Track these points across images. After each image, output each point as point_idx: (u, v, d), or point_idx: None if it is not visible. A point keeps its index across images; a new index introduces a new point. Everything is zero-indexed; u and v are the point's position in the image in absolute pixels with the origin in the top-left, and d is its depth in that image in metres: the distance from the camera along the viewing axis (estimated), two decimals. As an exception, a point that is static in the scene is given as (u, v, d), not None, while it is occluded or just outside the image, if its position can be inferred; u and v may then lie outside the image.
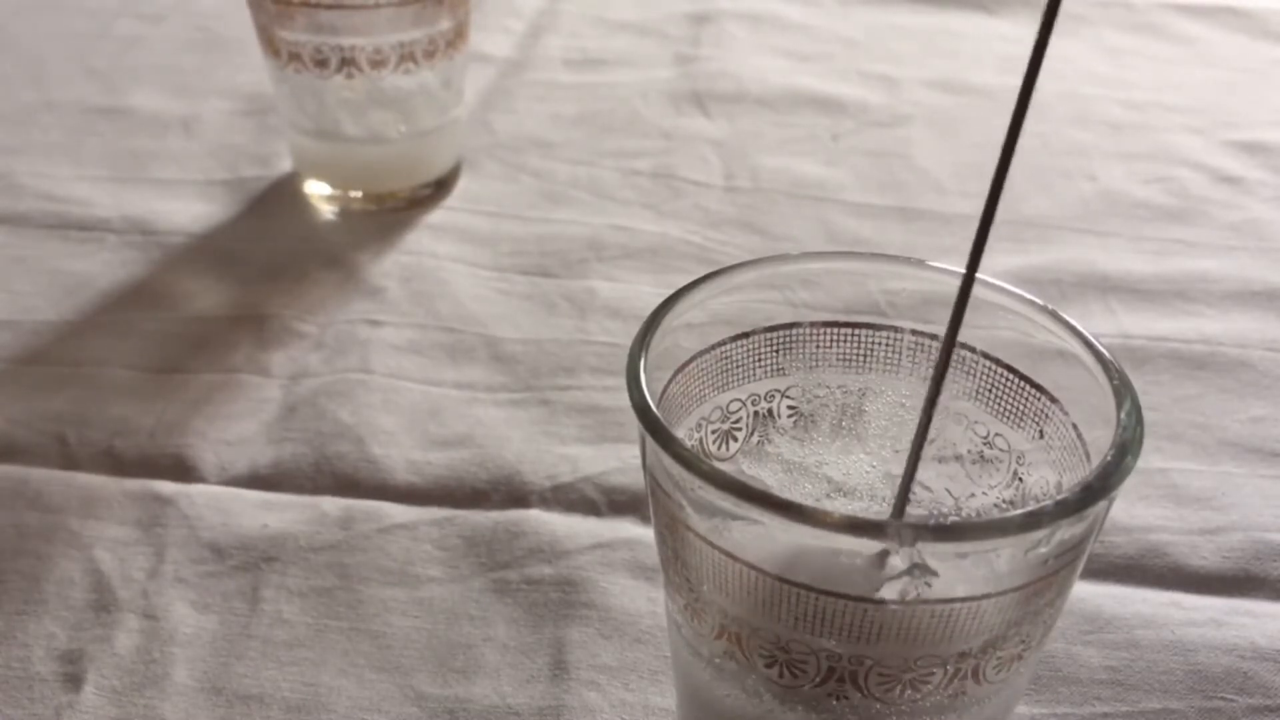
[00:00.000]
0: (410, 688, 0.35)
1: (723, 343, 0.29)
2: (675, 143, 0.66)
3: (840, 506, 0.30)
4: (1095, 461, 0.24)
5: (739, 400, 0.30)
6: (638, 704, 0.35)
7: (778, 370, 0.30)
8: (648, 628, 0.37)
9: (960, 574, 0.25)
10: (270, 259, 0.55)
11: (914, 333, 0.29)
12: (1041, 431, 0.28)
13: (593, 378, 0.48)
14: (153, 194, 0.60)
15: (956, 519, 0.29)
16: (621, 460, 0.43)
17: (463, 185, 0.62)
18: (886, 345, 0.30)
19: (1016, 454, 0.28)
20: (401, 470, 0.43)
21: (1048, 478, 0.27)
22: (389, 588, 0.39)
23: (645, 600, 0.38)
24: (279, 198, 0.61)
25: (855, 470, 0.31)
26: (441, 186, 0.61)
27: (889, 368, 0.30)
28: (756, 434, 0.30)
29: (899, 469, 0.27)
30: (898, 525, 0.22)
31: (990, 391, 0.28)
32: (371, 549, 0.40)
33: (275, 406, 0.46)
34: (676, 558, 0.26)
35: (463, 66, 0.59)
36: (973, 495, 0.29)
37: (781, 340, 0.29)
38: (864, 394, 0.30)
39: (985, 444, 0.29)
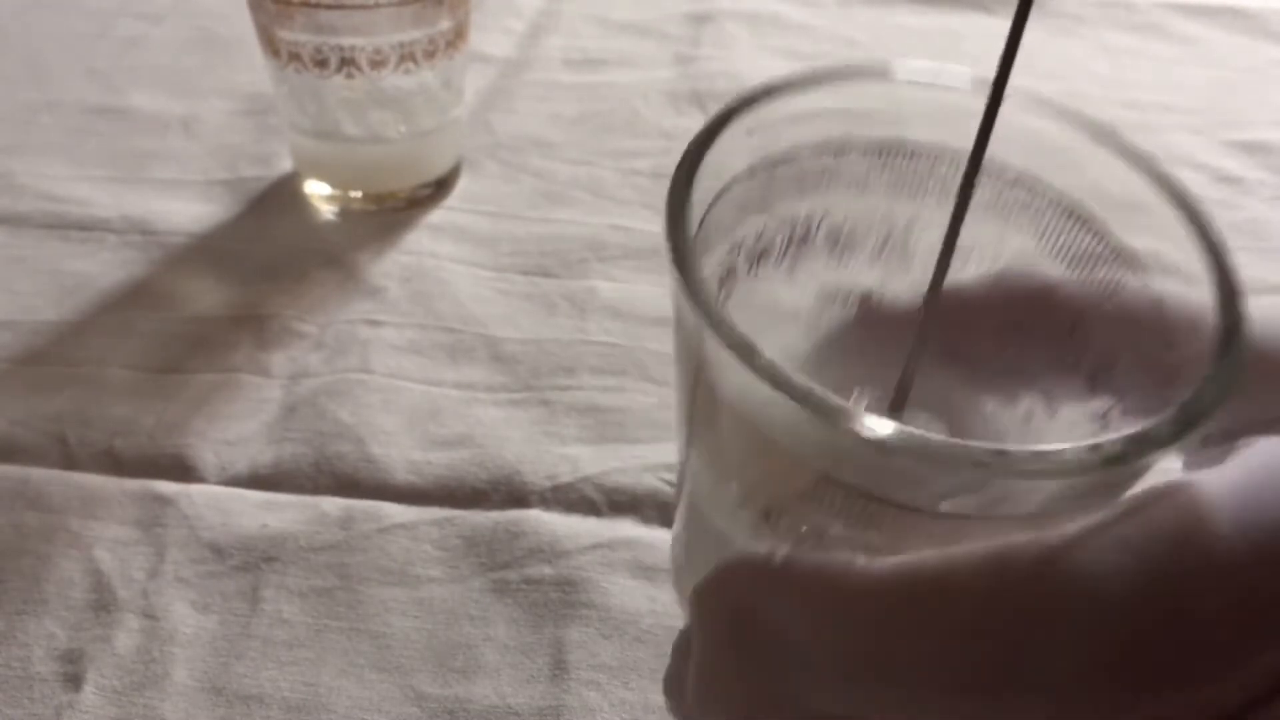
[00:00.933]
0: (410, 688, 0.35)
1: (765, 164, 0.26)
2: (675, 143, 0.66)
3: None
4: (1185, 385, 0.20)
5: (779, 220, 0.27)
6: (638, 703, 0.35)
7: (822, 192, 0.27)
8: (648, 627, 0.37)
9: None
10: (270, 259, 0.55)
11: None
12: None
13: (593, 378, 0.48)
14: (153, 194, 0.60)
15: (1027, 450, 0.22)
16: (621, 460, 0.43)
17: (463, 185, 0.62)
18: (936, 174, 0.27)
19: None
20: (401, 470, 0.43)
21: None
22: (389, 588, 0.39)
23: (645, 600, 0.38)
24: (279, 198, 0.61)
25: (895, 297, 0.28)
26: (441, 186, 0.61)
27: (942, 199, 0.27)
28: (789, 256, 0.28)
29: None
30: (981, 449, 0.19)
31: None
32: (371, 549, 0.40)
33: (275, 406, 0.46)
34: (700, 413, 0.24)
35: (463, 66, 0.59)
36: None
37: (828, 165, 0.27)
38: (912, 224, 0.28)
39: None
